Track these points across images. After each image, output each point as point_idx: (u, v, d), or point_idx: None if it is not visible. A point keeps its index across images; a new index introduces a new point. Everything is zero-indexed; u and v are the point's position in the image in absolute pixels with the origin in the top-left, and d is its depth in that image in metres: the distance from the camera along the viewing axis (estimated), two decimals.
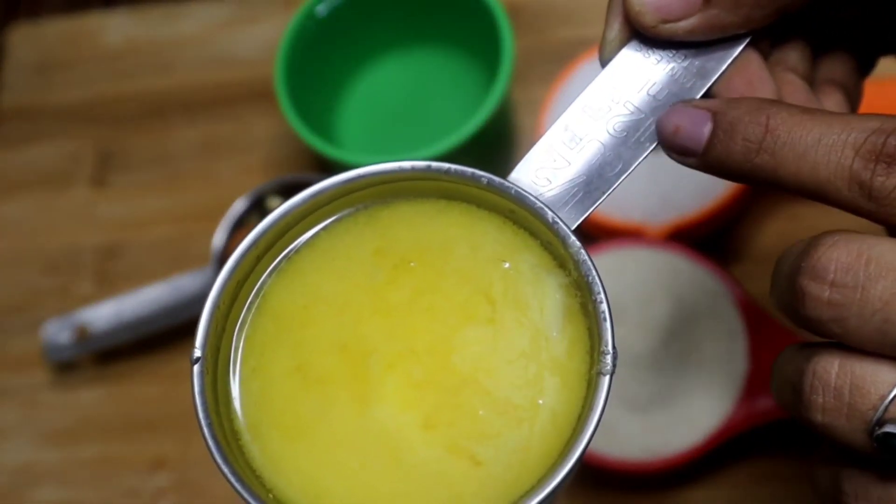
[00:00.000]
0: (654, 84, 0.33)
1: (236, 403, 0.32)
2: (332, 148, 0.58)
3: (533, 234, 0.33)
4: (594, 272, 0.31)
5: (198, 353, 0.32)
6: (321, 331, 0.32)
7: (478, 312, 0.31)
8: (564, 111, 0.33)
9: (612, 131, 0.33)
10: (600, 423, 0.29)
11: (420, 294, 0.32)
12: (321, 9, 0.61)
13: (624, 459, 0.51)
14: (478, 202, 0.33)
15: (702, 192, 0.57)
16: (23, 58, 0.76)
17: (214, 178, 0.69)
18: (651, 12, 0.32)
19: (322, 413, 0.31)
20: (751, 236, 0.60)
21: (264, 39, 0.72)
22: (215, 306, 0.32)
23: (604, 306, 0.31)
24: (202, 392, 0.32)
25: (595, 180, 0.32)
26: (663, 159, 0.59)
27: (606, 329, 0.30)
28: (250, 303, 0.33)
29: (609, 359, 0.30)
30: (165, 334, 0.63)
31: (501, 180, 0.31)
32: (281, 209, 0.31)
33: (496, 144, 0.61)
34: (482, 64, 0.64)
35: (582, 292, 0.32)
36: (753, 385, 0.52)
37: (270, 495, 0.31)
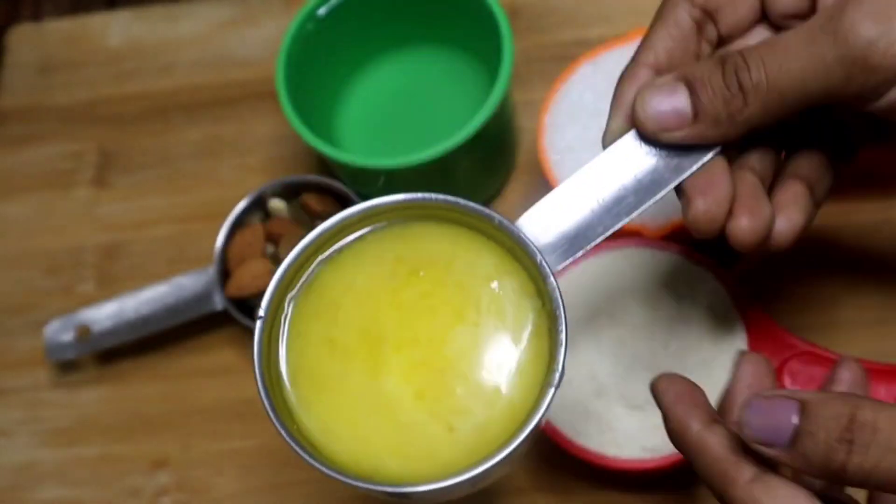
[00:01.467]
0: (640, 170, 0.41)
1: (282, 356, 0.41)
2: (333, 148, 0.58)
3: (522, 265, 0.41)
4: (562, 309, 0.39)
5: (262, 312, 0.40)
6: (350, 314, 0.41)
7: (467, 316, 0.41)
8: (571, 174, 0.41)
9: (600, 201, 0.41)
10: (544, 418, 0.39)
11: (425, 296, 0.41)
12: (322, 10, 0.61)
13: (623, 458, 0.52)
14: (482, 231, 0.42)
15: None
16: (24, 58, 0.76)
17: (215, 178, 0.69)
18: (652, 122, 0.40)
19: (342, 375, 0.40)
20: None
21: (265, 40, 0.72)
22: (280, 280, 0.41)
23: (562, 336, 0.39)
24: (260, 343, 0.40)
25: (580, 237, 0.41)
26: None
27: (560, 353, 0.39)
28: (303, 283, 0.42)
29: (557, 376, 0.38)
30: (167, 334, 0.63)
31: (510, 224, 0.40)
32: (336, 218, 0.42)
33: (496, 145, 0.61)
34: (482, 65, 0.64)
35: (550, 320, 0.40)
36: None
37: (295, 427, 0.40)
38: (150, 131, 0.72)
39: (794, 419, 0.34)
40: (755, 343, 0.53)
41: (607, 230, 0.41)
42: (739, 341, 0.53)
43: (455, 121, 0.61)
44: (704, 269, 0.55)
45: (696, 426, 0.38)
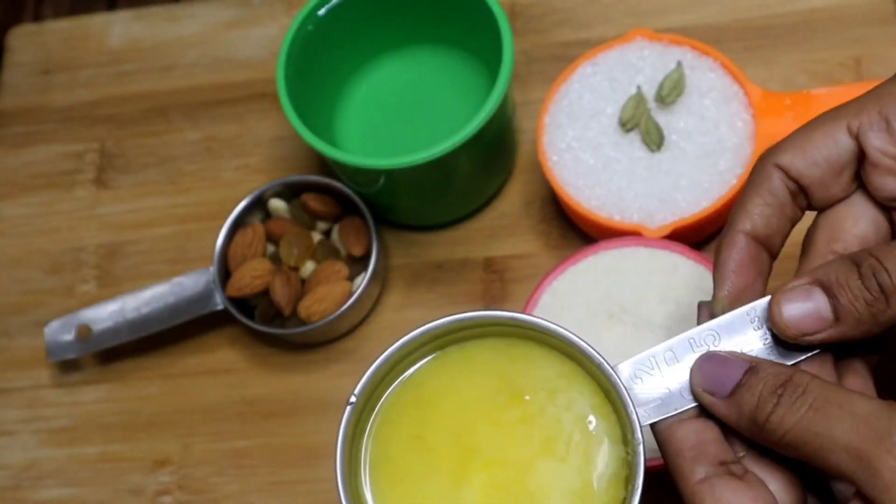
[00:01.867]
0: (748, 346, 0.41)
1: (366, 443, 0.43)
2: (333, 148, 0.58)
3: (615, 409, 0.42)
4: (642, 466, 0.40)
5: (353, 398, 0.42)
6: (444, 416, 0.42)
7: (556, 451, 0.42)
8: (676, 336, 0.42)
9: None
10: None
11: (524, 422, 0.42)
12: (322, 10, 0.61)
13: None
14: (583, 366, 0.43)
15: (700, 193, 0.57)
16: (25, 59, 0.76)
17: (216, 178, 0.69)
18: (793, 329, 0.39)
19: (424, 475, 0.42)
20: None
21: (266, 40, 0.72)
22: (377, 369, 0.42)
23: (637, 494, 0.40)
24: (346, 426, 0.41)
25: (674, 397, 0.41)
26: (660, 158, 0.60)
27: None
28: (402, 377, 0.43)
29: None
30: (167, 334, 0.63)
31: (612, 371, 0.41)
32: (447, 320, 0.43)
33: (496, 145, 0.61)
34: (482, 65, 0.64)
35: (629, 471, 0.41)
36: None
37: None
38: (151, 131, 0.72)
39: (741, 374, 0.39)
40: None
41: None
42: None
43: (455, 121, 0.61)
44: (705, 269, 0.55)
45: (668, 420, 0.40)
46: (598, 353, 0.42)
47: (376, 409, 0.43)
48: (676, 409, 0.41)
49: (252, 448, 0.62)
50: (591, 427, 0.42)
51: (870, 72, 0.63)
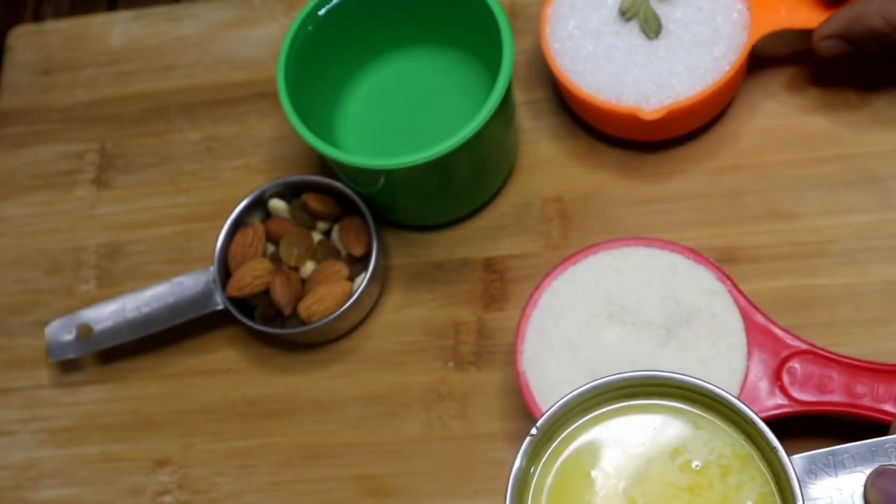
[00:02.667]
0: None
1: (545, 479, 0.44)
2: (333, 148, 0.58)
3: (783, 500, 0.42)
4: None
5: (534, 431, 0.43)
6: (619, 478, 0.44)
7: None
8: (860, 441, 0.42)
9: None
10: None
11: (691, 490, 0.43)
12: (322, 10, 0.61)
13: None
14: (762, 450, 0.43)
15: (695, 78, 0.59)
16: (25, 59, 0.76)
17: (216, 178, 0.69)
18: None
19: None
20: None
21: (266, 41, 0.72)
22: (563, 406, 0.44)
23: None
24: (525, 455, 0.43)
25: (844, 502, 0.41)
26: (658, 45, 0.61)
27: None
28: (590, 415, 0.45)
29: None
30: (168, 334, 0.63)
31: (789, 460, 0.41)
32: (638, 375, 0.44)
33: (496, 145, 0.61)
34: (483, 65, 0.64)
35: None
36: (751, 384, 0.52)
37: None
38: (151, 132, 0.72)
39: None
40: (755, 343, 0.53)
41: None
42: (738, 341, 0.53)
43: (455, 121, 0.61)
44: (705, 269, 0.55)
45: None
46: (778, 442, 0.42)
47: (557, 440, 0.45)
48: None
49: (252, 448, 0.62)
50: None
51: None
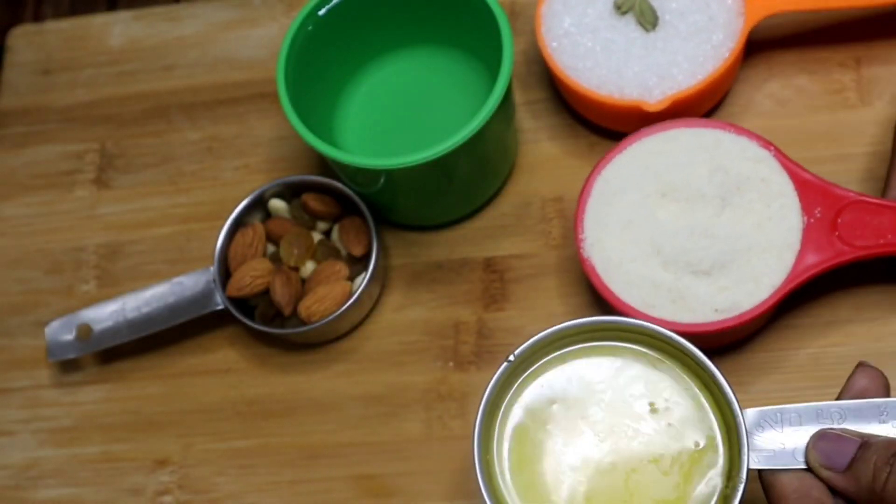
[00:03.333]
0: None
1: (511, 408, 0.49)
2: (333, 148, 0.58)
3: (730, 446, 0.47)
4: (737, 502, 0.45)
5: (512, 358, 0.48)
6: (578, 411, 0.49)
7: (662, 462, 0.47)
8: (807, 403, 0.46)
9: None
10: None
11: (644, 426, 0.48)
12: (322, 10, 0.61)
13: (697, 322, 0.54)
14: (717, 401, 0.48)
15: (695, 67, 0.59)
16: (25, 59, 0.76)
17: (216, 178, 0.69)
18: None
19: (546, 435, 0.48)
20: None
21: (266, 41, 0.72)
22: (538, 341, 0.48)
23: None
24: (499, 380, 0.48)
25: (786, 455, 0.45)
26: (656, 37, 0.62)
27: None
28: (555, 353, 0.50)
29: None
30: (168, 334, 0.63)
31: (740, 411, 0.46)
32: (601, 319, 0.49)
33: (496, 145, 0.61)
34: (483, 65, 0.64)
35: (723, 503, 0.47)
36: (810, 237, 0.54)
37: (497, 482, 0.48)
38: (151, 132, 0.72)
39: (854, 449, 0.43)
40: (807, 200, 0.55)
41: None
42: (790, 199, 0.55)
43: (455, 121, 0.61)
44: (747, 139, 0.56)
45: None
46: (734, 393, 0.46)
47: (526, 373, 0.49)
48: (784, 466, 0.45)
49: (252, 448, 0.62)
50: (702, 455, 0.48)
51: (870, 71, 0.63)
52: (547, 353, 0.49)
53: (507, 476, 0.48)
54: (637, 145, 0.58)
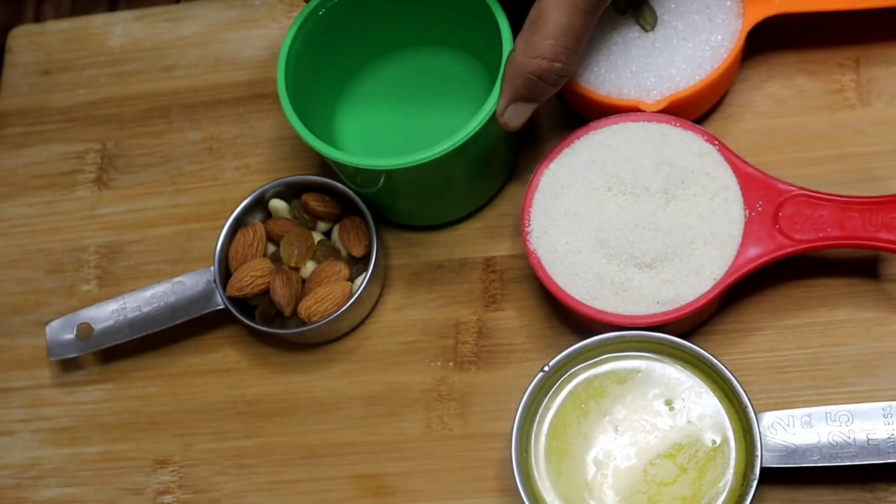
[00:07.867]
0: (874, 434, 0.50)
1: (548, 412, 0.55)
2: (333, 149, 0.58)
3: (745, 447, 0.52)
4: (750, 499, 0.49)
5: (546, 368, 0.54)
6: (606, 409, 0.54)
7: (679, 457, 0.52)
8: (819, 407, 0.52)
9: (831, 440, 0.51)
10: None
11: (662, 423, 0.54)
12: (322, 10, 0.61)
13: (640, 315, 0.54)
14: (734, 405, 0.53)
15: (694, 68, 0.60)
16: (26, 59, 0.76)
17: (216, 178, 0.69)
18: None
19: (579, 431, 0.54)
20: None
21: (266, 41, 0.72)
22: (572, 353, 0.54)
23: None
24: (535, 388, 0.54)
25: (797, 454, 0.50)
26: (654, 37, 0.62)
27: None
28: (587, 362, 0.55)
29: None
30: (168, 333, 0.63)
31: (754, 414, 0.51)
32: (628, 334, 0.54)
33: (496, 146, 0.61)
34: (483, 66, 0.64)
35: (736, 501, 0.51)
36: (752, 231, 0.55)
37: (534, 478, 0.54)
38: (152, 132, 0.72)
39: None
40: (749, 194, 0.55)
41: (822, 462, 0.50)
42: (734, 193, 0.55)
43: (455, 122, 0.61)
44: (692, 134, 0.57)
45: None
46: (748, 397, 0.51)
47: (560, 380, 0.55)
48: (795, 464, 0.49)
49: (252, 448, 0.62)
50: (719, 454, 0.52)
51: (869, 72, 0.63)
52: (576, 364, 0.55)
53: (542, 468, 0.53)
54: (586, 139, 0.58)
